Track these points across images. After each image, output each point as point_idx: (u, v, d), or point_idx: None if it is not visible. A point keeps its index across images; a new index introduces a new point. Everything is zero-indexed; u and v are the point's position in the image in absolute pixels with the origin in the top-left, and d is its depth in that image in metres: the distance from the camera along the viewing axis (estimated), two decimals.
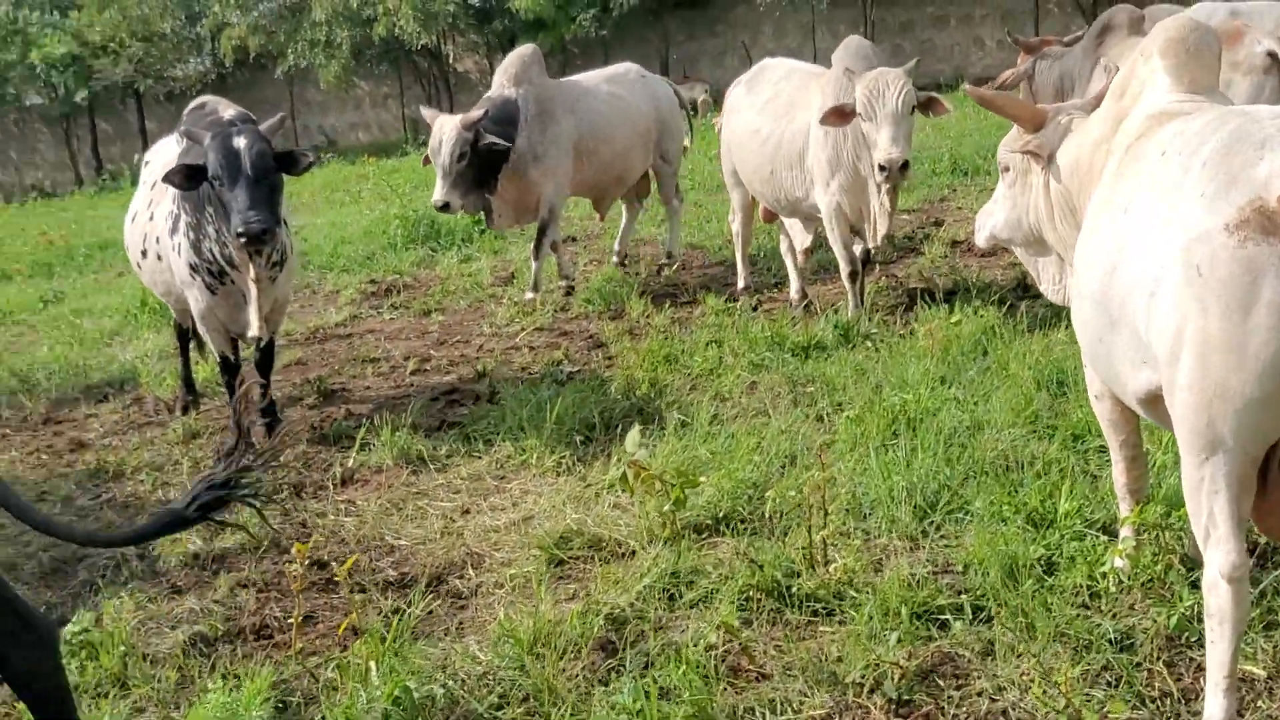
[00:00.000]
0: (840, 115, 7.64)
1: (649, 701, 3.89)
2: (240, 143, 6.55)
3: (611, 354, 8.43)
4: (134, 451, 7.43)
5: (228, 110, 7.01)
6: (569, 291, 10.35)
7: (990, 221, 5.11)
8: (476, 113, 9.59)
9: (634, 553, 5.14)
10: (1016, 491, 5.13)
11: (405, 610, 4.78)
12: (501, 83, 10.05)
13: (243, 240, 6.51)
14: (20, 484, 7.09)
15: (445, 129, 9.40)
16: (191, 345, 8.47)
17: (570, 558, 5.21)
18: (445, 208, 9.63)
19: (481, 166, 9.55)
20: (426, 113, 9.92)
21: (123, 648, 4.67)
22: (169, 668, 4.57)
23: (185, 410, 8.23)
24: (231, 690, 4.03)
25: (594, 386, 7.50)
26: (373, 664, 4.25)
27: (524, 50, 10.37)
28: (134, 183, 29.67)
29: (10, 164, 41.13)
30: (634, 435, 5.39)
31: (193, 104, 7.35)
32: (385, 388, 8.46)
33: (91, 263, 16.76)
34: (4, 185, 39.92)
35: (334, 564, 5.36)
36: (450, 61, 35.48)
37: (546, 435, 6.62)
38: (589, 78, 11.04)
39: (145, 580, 5.52)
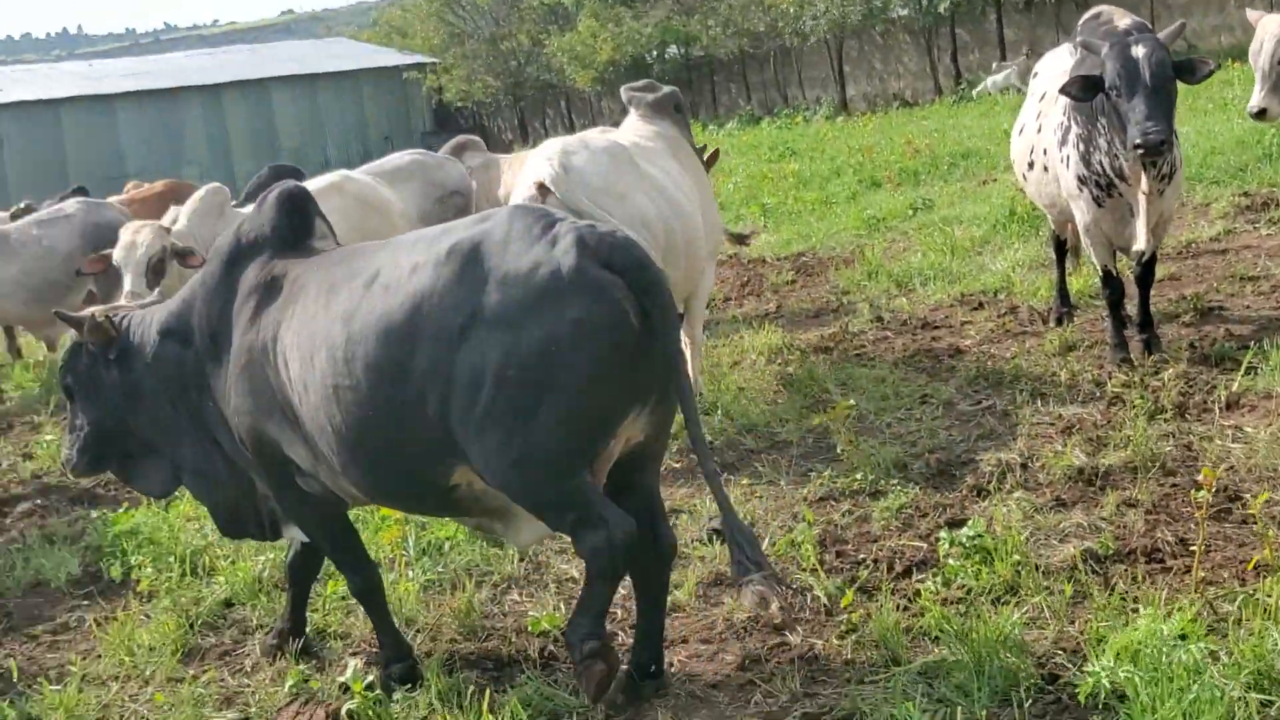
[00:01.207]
0: None
1: None
2: (1139, 51, 6.42)
3: None
4: (1010, 361, 7.58)
5: (1124, 19, 6.85)
6: None
7: None
8: None
9: None
10: None
11: None
12: None
13: (1139, 152, 6.38)
14: (905, 384, 7.49)
15: (1268, 29, 8.49)
16: (1067, 258, 8.47)
17: None
18: (1261, 114, 8.67)
19: None
20: (1252, 14, 9.03)
21: (1016, 556, 4.78)
22: (1061, 579, 4.62)
23: (1060, 322, 8.26)
24: (1165, 616, 3.96)
25: None
26: None
27: None
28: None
29: (875, 75, 43.30)
30: None
31: (1088, 14, 7.24)
32: (1266, 308, 7.98)
33: (955, 171, 17.19)
34: (868, 95, 42.15)
35: (1224, 492, 5.17)
36: None
37: None
38: None
39: (1030, 490, 5.62)
